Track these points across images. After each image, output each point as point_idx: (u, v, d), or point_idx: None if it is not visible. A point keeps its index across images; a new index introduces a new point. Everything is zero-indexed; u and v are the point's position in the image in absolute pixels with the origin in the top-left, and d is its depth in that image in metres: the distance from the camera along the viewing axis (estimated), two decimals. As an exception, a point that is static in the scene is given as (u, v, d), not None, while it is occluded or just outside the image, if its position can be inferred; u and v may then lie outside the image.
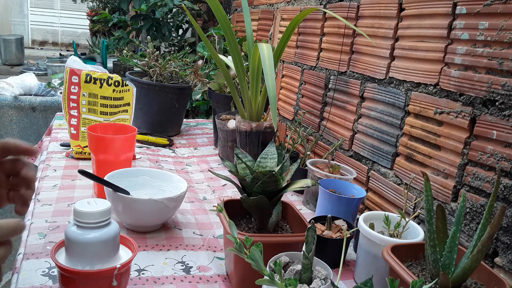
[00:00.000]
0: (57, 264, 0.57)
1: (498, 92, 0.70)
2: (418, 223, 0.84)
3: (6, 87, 2.11)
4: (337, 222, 0.82)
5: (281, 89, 1.57)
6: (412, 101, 0.90)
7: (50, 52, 5.40)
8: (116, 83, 1.13)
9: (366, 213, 0.78)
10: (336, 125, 1.19)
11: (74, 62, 1.13)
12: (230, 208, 0.73)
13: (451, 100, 0.80)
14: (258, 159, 0.73)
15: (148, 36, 1.98)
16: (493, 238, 0.70)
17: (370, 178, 1.04)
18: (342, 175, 1.02)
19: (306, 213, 1.01)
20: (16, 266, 0.68)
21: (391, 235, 0.74)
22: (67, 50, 6.89)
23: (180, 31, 2.55)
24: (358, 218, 0.75)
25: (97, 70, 1.13)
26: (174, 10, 2.45)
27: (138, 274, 0.69)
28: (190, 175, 1.17)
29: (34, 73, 2.60)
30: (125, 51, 1.50)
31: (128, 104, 1.17)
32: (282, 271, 0.53)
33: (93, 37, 4.87)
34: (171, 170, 1.17)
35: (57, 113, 1.59)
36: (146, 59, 1.44)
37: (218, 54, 1.12)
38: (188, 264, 0.74)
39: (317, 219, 0.83)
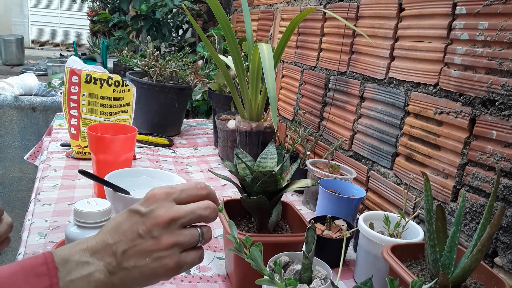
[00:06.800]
0: (57, 264, 0.56)
1: (498, 92, 0.70)
2: (418, 223, 0.84)
3: (6, 87, 2.11)
4: (337, 222, 0.82)
5: (281, 89, 1.57)
6: (412, 101, 0.90)
7: (50, 52, 5.39)
8: (116, 83, 1.13)
9: (366, 213, 0.78)
10: (336, 125, 1.19)
11: (74, 62, 1.13)
12: (230, 208, 0.73)
13: (451, 100, 0.80)
14: (258, 159, 0.73)
15: (148, 37, 1.98)
16: (493, 238, 0.70)
17: (370, 178, 1.04)
18: (342, 175, 1.02)
19: (306, 213, 1.01)
20: (16, 266, 0.68)
21: (391, 235, 0.74)
22: (67, 50, 6.89)
23: (180, 31, 2.55)
24: (358, 218, 0.75)
25: (97, 70, 1.13)
26: (174, 10, 2.45)
27: (138, 274, 0.69)
28: (190, 175, 1.17)
29: (34, 73, 2.60)
30: (125, 51, 1.50)
31: (128, 104, 1.17)
32: (282, 271, 0.53)
33: (93, 37, 4.86)
34: (171, 170, 1.17)
35: (57, 113, 1.60)
36: (146, 59, 1.44)
37: (218, 54, 1.12)
38: (188, 264, 0.74)
39: (317, 219, 0.83)
